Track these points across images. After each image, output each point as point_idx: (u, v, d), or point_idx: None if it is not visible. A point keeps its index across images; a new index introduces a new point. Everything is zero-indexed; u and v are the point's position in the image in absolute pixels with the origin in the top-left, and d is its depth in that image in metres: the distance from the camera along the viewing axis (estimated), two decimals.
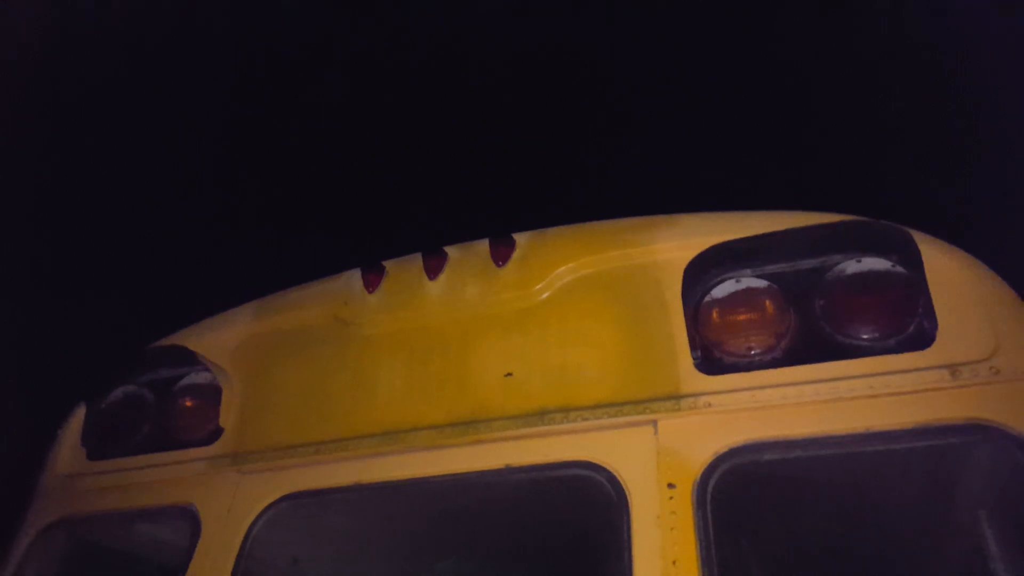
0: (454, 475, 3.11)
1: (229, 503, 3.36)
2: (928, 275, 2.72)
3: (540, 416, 3.09)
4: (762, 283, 2.96)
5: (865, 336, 2.75)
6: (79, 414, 3.95)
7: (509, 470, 3.03)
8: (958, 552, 3.36)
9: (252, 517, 3.31)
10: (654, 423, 2.89)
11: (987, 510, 3.03)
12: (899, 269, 2.79)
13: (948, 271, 2.71)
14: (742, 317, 2.95)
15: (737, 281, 3.00)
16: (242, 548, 3.25)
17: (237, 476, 3.46)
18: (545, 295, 3.33)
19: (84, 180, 9.65)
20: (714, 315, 3.00)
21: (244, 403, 3.72)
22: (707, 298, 3.03)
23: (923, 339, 2.66)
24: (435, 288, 3.50)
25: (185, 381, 3.83)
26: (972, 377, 2.56)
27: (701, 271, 3.05)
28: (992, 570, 3.00)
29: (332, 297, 3.75)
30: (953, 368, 2.59)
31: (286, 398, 3.64)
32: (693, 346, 2.97)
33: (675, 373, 2.95)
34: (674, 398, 2.91)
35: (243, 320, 3.95)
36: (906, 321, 2.71)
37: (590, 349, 3.17)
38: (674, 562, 2.58)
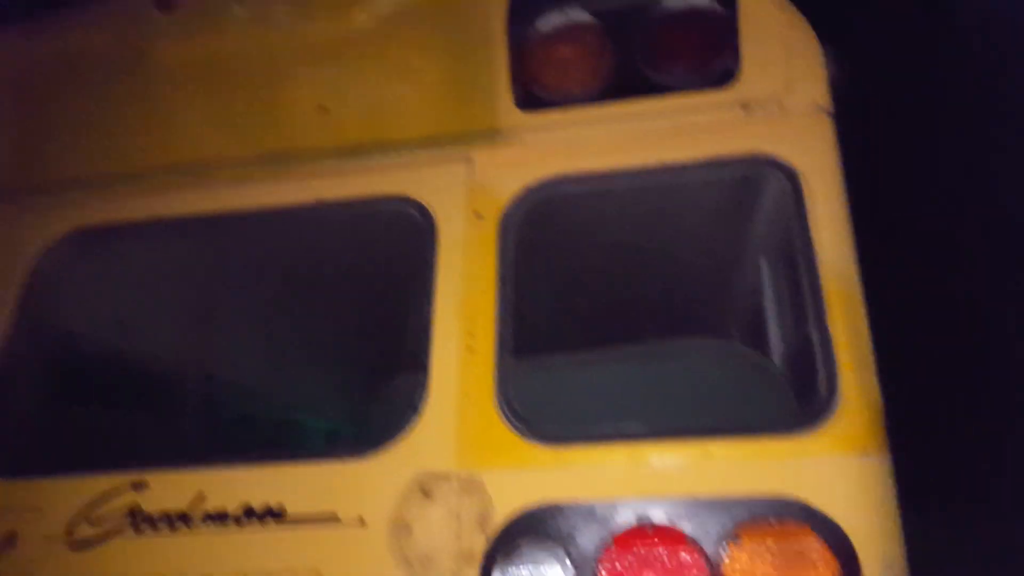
0: (262, 209, 2.97)
1: (7, 238, 3.03)
2: (740, 13, 2.73)
3: (354, 150, 2.96)
4: (587, 18, 2.86)
5: (676, 73, 2.77)
6: None
7: (320, 205, 2.92)
8: (736, 291, 3.73)
9: (37, 253, 3.03)
10: (468, 157, 2.84)
11: (767, 257, 3.32)
12: (716, 7, 2.77)
13: (757, 9, 2.74)
14: (564, 52, 2.87)
15: (563, 14, 2.87)
16: (28, 285, 2.99)
17: (16, 211, 3.10)
18: (363, 23, 3.05)
19: None
20: (537, 49, 2.90)
21: (19, 136, 3.28)
22: (531, 31, 2.90)
23: (726, 76, 2.73)
24: (238, 10, 3.11)
25: None
26: (763, 113, 2.68)
27: (528, 1, 2.89)
28: (764, 311, 3.34)
29: (119, 18, 3.27)
30: (747, 104, 2.69)
31: (71, 130, 3.25)
32: (514, 81, 2.88)
33: (493, 108, 2.88)
34: (490, 133, 2.86)
35: (11, 44, 3.38)
36: (714, 59, 2.75)
37: (409, 83, 3.01)
38: (473, 281, 2.67)
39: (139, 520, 2.58)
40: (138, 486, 2.62)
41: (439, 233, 2.77)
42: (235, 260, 3.50)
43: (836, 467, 2.29)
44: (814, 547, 2.20)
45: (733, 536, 2.25)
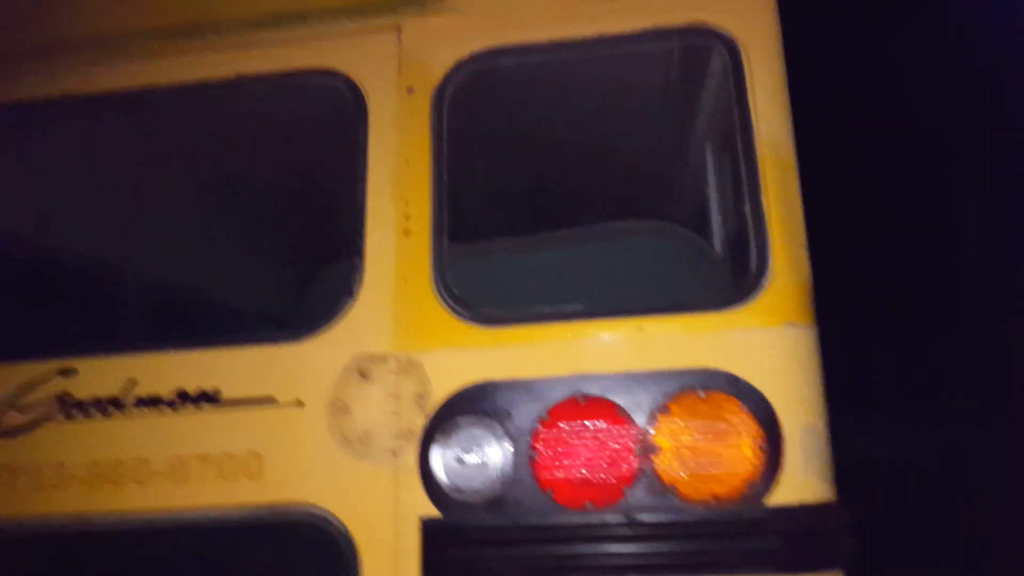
0: (177, 86, 2.77)
1: None
2: None
3: (275, 21, 2.75)
4: None
5: None
6: None
7: (241, 79, 2.73)
8: (678, 174, 3.68)
9: None
10: (398, 28, 2.67)
11: (711, 140, 3.25)
12: None
13: None
14: None
15: None
16: None
17: None
18: None
19: None
20: None
21: None
22: None
23: None
24: None
25: None
26: None
27: None
28: (706, 194, 3.30)
29: None
30: None
31: None
32: None
33: None
34: (420, 0, 2.67)
35: None
36: None
37: None
38: (407, 160, 2.57)
39: (69, 406, 2.52)
40: (66, 372, 2.55)
41: (369, 109, 2.63)
42: (153, 140, 3.28)
43: (764, 339, 2.34)
44: (738, 416, 2.28)
45: (663, 407, 2.31)
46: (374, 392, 2.47)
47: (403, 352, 2.48)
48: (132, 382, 2.52)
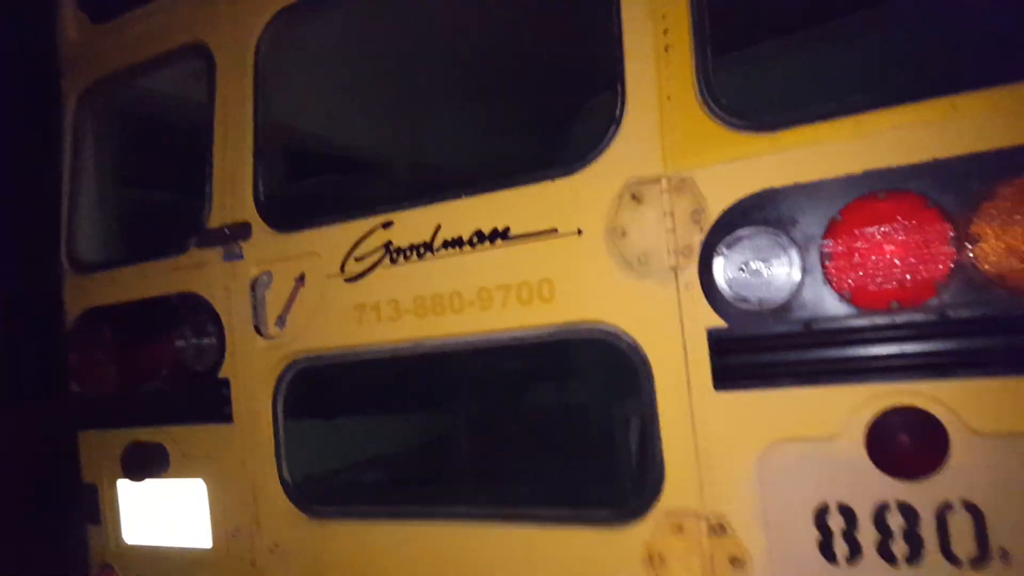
0: None
1: (231, 28, 3.07)
2: None
3: None
4: None
5: None
6: None
7: None
8: None
9: (255, 38, 3.05)
10: None
11: None
12: None
13: None
14: None
15: None
16: (255, 70, 3.05)
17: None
18: None
19: None
20: None
21: None
22: None
23: None
24: None
25: None
26: None
27: None
28: None
29: None
30: None
31: None
32: None
33: None
34: None
35: None
36: None
37: None
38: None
39: (392, 252, 2.74)
40: (387, 225, 2.75)
41: None
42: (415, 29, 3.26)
43: None
44: None
45: (987, 193, 1.85)
46: (648, 214, 2.33)
47: (674, 172, 2.28)
48: (437, 227, 2.65)
